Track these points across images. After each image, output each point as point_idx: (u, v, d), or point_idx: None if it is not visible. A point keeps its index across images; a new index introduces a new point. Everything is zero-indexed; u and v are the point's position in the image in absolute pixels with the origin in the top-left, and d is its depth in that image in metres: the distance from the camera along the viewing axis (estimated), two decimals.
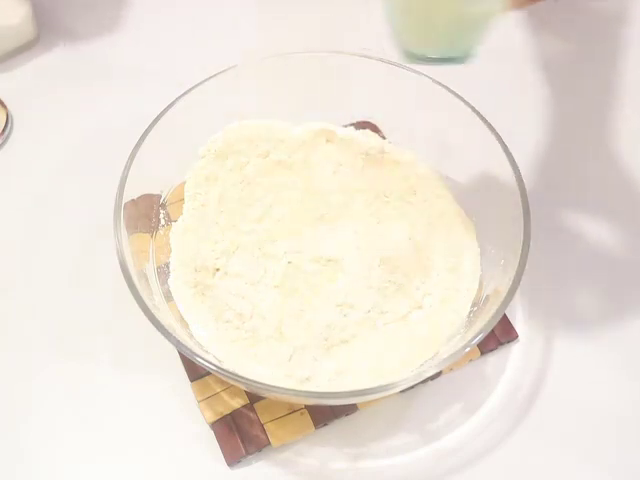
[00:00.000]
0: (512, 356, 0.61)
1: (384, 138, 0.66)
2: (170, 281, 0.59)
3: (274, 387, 0.50)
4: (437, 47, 0.54)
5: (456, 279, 0.59)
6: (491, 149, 0.58)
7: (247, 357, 0.56)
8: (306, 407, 0.57)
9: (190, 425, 0.57)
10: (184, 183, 0.63)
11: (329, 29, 0.79)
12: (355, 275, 0.59)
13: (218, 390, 0.57)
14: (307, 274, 0.59)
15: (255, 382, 0.50)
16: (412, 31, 0.53)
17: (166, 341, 0.50)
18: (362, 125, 0.67)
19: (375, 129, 0.67)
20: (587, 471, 0.56)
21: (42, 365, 0.60)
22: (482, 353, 0.60)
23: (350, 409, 0.57)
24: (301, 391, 0.52)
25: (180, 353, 0.58)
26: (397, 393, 0.57)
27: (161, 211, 0.62)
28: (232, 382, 0.50)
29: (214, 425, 0.57)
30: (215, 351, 0.56)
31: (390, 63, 0.62)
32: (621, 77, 0.74)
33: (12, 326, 0.61)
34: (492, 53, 0.78)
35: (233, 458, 0.55)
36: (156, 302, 0.54)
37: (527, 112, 0.74)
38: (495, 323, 0.51)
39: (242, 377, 0.49)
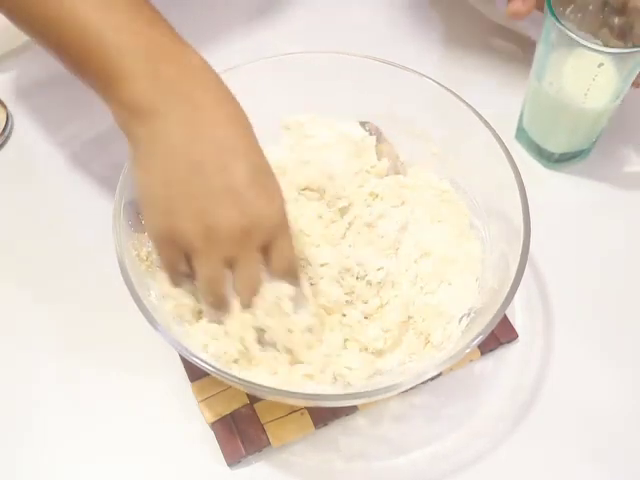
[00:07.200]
0: (512, 356, 0.61)
1: (380, 137, 0.66)
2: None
3: (272, 389, 0.50)
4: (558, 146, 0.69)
5: (457, 279, 0.59)
6: (492, 150, 0.58)
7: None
8: (306, 407, 0.57)
9: (190, 425, 0.57)
10: None
11: (329, 29, 0.79)
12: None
13: (218, 390, 0.57)
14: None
15: (253, 384, 0.49)
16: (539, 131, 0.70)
17: (166, 341, 0.50)
18: (362, 125, 0.67)
19: (375, 129, 0.67)
20: (587, 471, 0.56)
21: (42, 365, 0.60)
22: (482, 353, 0.60)
23: (350, 409, 0.57)
24: (300, 393, 0.52)
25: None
26: (397, 394, 0.57)
27: None
28: (230, 383, 0.50)
29: (214, 425, 0.57)
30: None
31: (390, 64, 0.62)
32: None
33: (12, 327, 0.61)
34: (493, 54, 0.79)
35: (233, 458, 0.55)
36: (155, 302, 0.54)
37: None
38: (495, 323, 0.51)
39: (240, 379, 0.49)
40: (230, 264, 0.49)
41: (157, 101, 0.48)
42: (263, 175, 0.50)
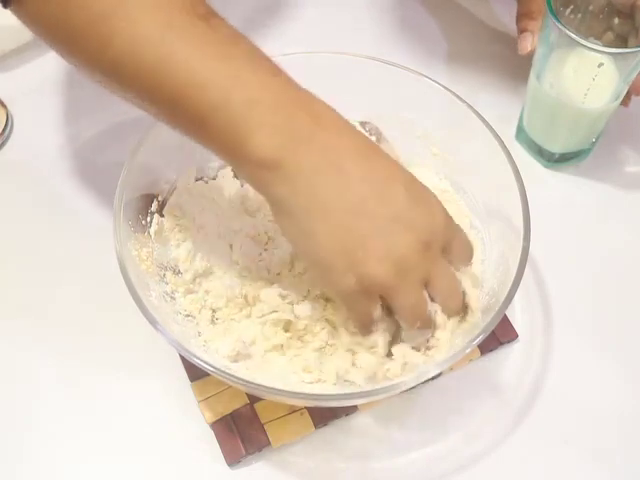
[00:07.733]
0: (512, 356, 0.61)
1: (380, 137, 0.66)
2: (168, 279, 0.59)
3: (272, 389, 0.50)
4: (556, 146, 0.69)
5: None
6: (492, 151, 0.58)
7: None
8: (306, 407, 0.57)
9: (190, 425, 0.57)
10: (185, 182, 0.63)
11: (329, 29, 0.79)
12: None
13: (218, 390, 0.57)
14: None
15: (253, 384, 0.49)
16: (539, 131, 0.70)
17: (166, 341, 0.50)
18: (362, 125, 0.67)
19: (375, 130, 0.67)
20: (587, 471, 0.56)
21: (42, 365, 0.60)
22: (482, 353, 0.60)
23: (350, 409, 0.57)
24: (300, 393, 0.52)
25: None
26: (397, 393, 0.57)
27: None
28: (230, 383, 0.50)
29: (214, 425, 0.57)
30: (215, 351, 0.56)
31: (390, 64, 0.62)
32: None
33: (11, 326, 0.61)
34: (493, 55, 0.79)
35: (233, 458, 0.56)
36: (155, 302, 0.54)
37: None
38: (495, 323, 0.51)
39: (240, 378, 0.49)
40: (426, 282, 0.49)
41: (296, 154, 0.46)
42: (416, 190, 0.49)
